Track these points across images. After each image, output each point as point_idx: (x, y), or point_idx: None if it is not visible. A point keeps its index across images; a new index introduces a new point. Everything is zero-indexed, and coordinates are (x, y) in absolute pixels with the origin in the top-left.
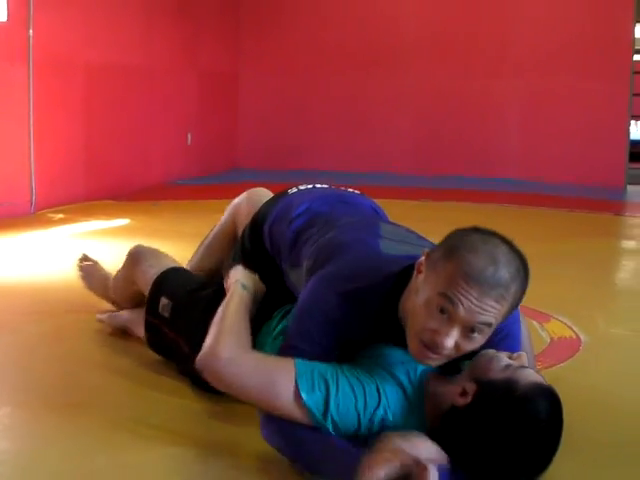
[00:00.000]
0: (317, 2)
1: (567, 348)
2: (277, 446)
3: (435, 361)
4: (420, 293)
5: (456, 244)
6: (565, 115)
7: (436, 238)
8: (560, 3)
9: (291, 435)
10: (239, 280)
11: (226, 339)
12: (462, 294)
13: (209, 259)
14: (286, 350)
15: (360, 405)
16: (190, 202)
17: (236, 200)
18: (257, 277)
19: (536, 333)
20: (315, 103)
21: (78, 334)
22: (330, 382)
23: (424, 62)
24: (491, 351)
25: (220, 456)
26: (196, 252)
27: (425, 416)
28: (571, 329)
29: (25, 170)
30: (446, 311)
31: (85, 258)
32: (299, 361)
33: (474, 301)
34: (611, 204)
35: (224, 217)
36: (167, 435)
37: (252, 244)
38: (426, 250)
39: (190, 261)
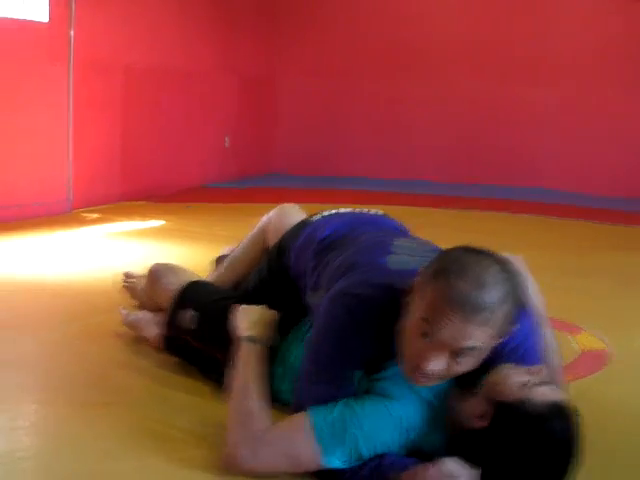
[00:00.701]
0: (354, 5)
1: (597, 360)
2: None
3: (428, 383)
4: (409, 315)
5: (444, 266)
6: (600, 125)
7: None
8: (598, 10)
9: None
10: (245, 334)
11: (239, 432)
12: (444, 319)
13: (234, 272)
14: (302, 387)
15: (390, 435)
16: (225, 205)
17: (266, 217)
18: (264, 307)
19: (567, 345)
20: (352, 107)
21: (105, 335)
22: (353, 427)
23: (460, 68)
24: (507, 367)
25: None
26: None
27: (445, 427)
28: (602, 342)
29: (63, 170)
30: (429, 336)
31: (129, 275)
32: (316, 417)
33: (457, 326)
34: None
35: (253, 232)
36: (192, 438)
37: (277, 272)
38: (421, 268)
39: (213, 273)
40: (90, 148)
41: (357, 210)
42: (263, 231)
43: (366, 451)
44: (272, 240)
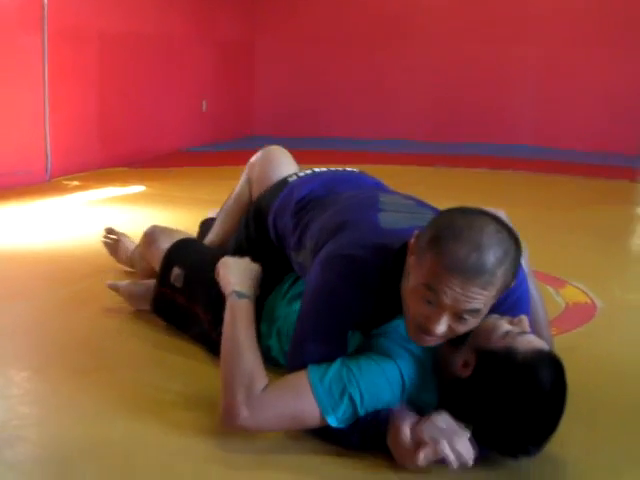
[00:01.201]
0: None
1: (583, 314)
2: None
3: (432, 342)
4: (409, 279)
5: (440, 231)
6: (582, 83)
7: (452, 204)
8: None
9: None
10: (234, 288)
11: (237, 392)
12: (445, 285)
13: (223, 231)
14: (298, 347)
15: (387, 395)
16: (205, 169)
17: (252, 160)
18: (248, 260)
19: (551, 298)
20: (331, 70)
21: (94, 300)
22: (351, 387)
23: (441, 28)
24: (492, 318)
25: None
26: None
27: (437, 383)
28: (586, 295)
29: (40, 138)
30: (431, 302)
31: (110, 231)
32: (314, 378)
33: (458, 290)
34: (627, 171)
35: (239, 183)
36: (186, 400)
37: (257, 234)
38: (417, 231)
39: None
40: (67, 116)
41: (333, 169)
42: (249, 182)
43: (363, 409)
44: (256, 192)
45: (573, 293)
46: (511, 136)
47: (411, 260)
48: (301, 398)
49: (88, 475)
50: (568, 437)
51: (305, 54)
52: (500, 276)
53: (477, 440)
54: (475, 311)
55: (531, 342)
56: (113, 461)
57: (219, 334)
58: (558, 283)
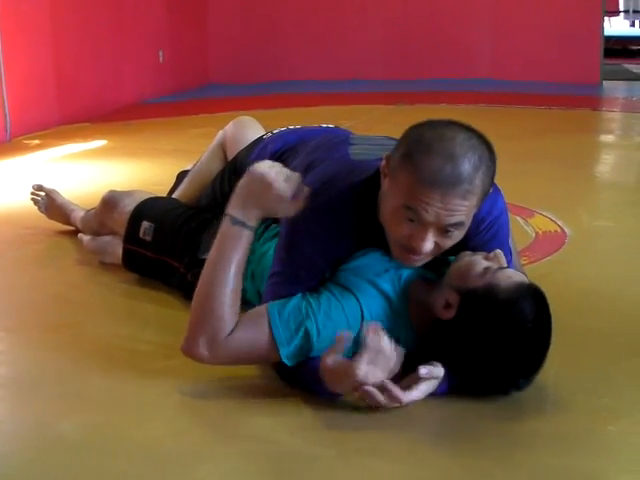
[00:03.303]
0: None
1: (553, 242)
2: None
3: (419, 262)
4: (387, 201)
5: (411, 148)
6: (538, 12)
7: None
8: None
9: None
10: (229, 211)
11: (200, 336)
12: (425, 202)
13: (195, 187)
14: (268, 286)
15: (344, 328)
16: (165, 119)
17: (222, 131)
18: (285, 172)
19: (520, 229)
20: (284, 14)
21: (60, 257)
22: (308, 321)
23: None
24: (467, 256)
25: (213, 369)
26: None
27: (411, 323)
28: (555, 223)
29: None
30: (414, 220)
31: (39, 188)
32: (273, 310)
33: (439, 205)
34: (587, 100)
35: (211, 146)
36: (162, 349)
37: (231, 189)
38: (387, 153)
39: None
40: (23, 74)
41: (307, 125)
42: (220, 145)
43: (319, 344)
44: (230, 152)
45: (542, 222)
46: (468, 70)
47: (385, 183)
48: (259, 331)
49: (68, 433)
50: (547, 362)
51: None
52: (478, 183)
53: (465, 379)
54: (459, 224)
55: (511, 277)
56: (92, 417)
57: (194, 275)
58: (526, 213)
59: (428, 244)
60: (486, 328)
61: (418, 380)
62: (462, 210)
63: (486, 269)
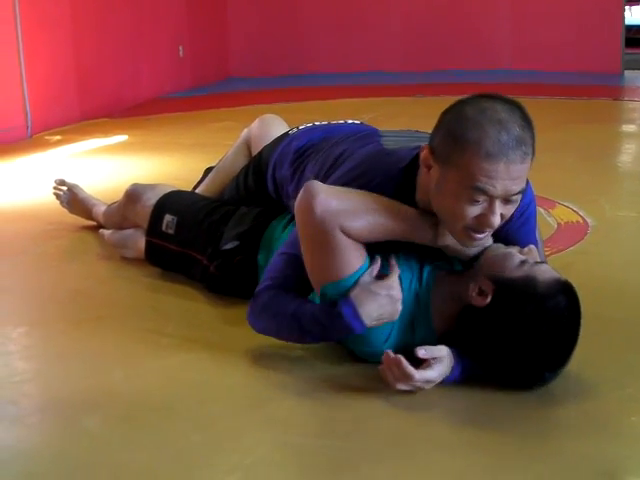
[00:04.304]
0: None
1: (575, 233)
2: (263, 327)
3: (485, 240)
4: (444, 190)
5: (457, 129)
6: (558, 2)
7: None
8: None
9: (276, 309)
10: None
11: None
12: (492, 177)
13: (219, 183)
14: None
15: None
16: (185, 114)
17: (246, 129)
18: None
19: (543, 219)
20: (302, 6)
21: (83, 252)
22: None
23: None
24: (502, 247)
25: (236, 361)
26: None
27: (432, 323)
28: (578, 214)
29: (18, 94)
30: (483, 199)
31: (62, 182)
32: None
33: (504, 176)
34: (609, 90)
35: (236, 143)
36: (183, 342)
37: (256, 185)
38: (424, 145)
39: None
40: (44, 70)
41: (334, 122)
42: (245, 142)
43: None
44: (255, 149)
45: (564, 213)
46: (488, 61)
47: (433, 173)
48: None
49: (93, 427)
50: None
51: None
52: (530, 142)
53: (492, 369)
54: (521, 191)
55: (548, 271)
56: (117, 411)
57: (217, 267)
58: (548, 204)
59: (498, 217)
60: (520, 318)
61: (429, 363)
62: (523, 174)
63: (523, 262)
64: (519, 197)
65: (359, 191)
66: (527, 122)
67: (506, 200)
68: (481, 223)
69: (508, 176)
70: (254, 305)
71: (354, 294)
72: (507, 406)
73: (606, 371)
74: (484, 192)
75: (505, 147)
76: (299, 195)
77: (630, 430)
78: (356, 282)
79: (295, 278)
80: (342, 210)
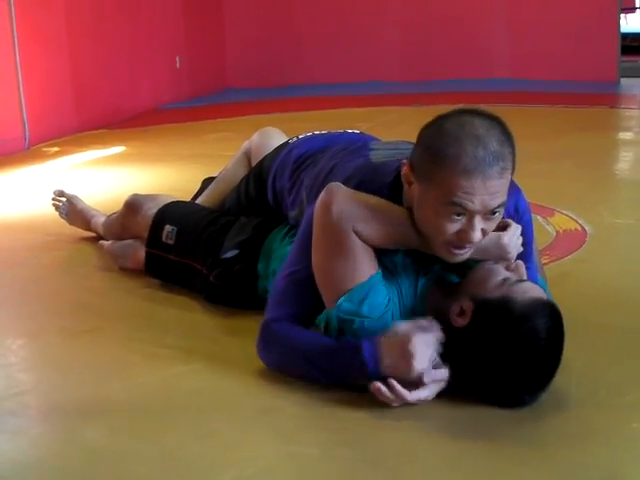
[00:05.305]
0: None
1: (573, 240)
2: (276, 364)
3: (466, 255)
4: (425, 206)
5: (436, 145)
6: (555, 11)
7: None
8: None
9: (287, 343)
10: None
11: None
12: (469, 193)
13: (219, 194)
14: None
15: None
16: (183, 125)
17: (247, 141)
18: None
19: (541, 227)
20: (300, 17)
21: (82, 264)
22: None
23: None
24: (489, 264)
25: (235, 372)
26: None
27: None
28: (576, 221)
29: (16, 106)
30: (462, 214)
31: (61, 194)
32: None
33: (482, 191)
34: (605, 97)
35: (236, 155)
36: (182, 354)
37: (257, 193)
38: (405, 161)
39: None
40: (41, 82)
41: (333, 131)
42: (246, 154)
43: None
44: (255, 161)
45: (562, 221)
46: (486, 70)
47: (414, 189)
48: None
49: (95, 438)
50: (570, 360)
51: (273, 1)
52: (509, 157)
53: (472, 388)
54: (501, 205)
55: (528, 291)
56: (116, 422)
57: (216, 276)
58: (546, 212)
59: (478, 233)
60: (496, 341)
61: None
62: (501, 189)
63: (504, 280)
64: (501, 211)
65: (377, 197)
66: (507, 137)
67: (487, 215)
68: (461, 239)
69: (486, 191)
70: (263, 338)
71: (383, 341)
72: (505, 414)
73: (605, 378)
74: (463, 208)
75: (482, 163)
76: (320, 195)
77: (630, 437)
78: (393, 328)
79: (302, 301)
80: (358, 212)
